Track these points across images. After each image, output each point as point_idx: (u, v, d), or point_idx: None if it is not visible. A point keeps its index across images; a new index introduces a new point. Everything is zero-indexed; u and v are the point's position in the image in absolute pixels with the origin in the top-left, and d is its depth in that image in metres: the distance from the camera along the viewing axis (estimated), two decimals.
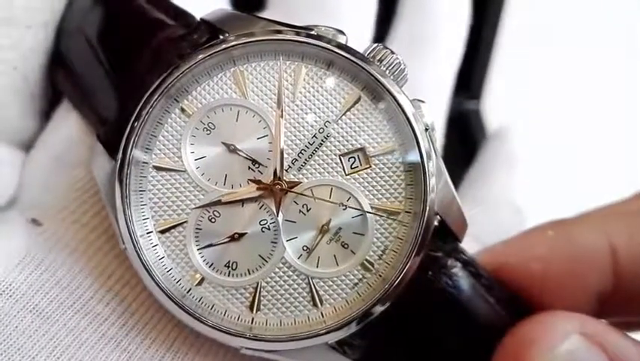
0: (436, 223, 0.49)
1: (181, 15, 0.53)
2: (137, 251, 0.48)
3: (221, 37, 0.49)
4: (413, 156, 0.49)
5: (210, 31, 0.51)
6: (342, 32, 0.50)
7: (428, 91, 0.52)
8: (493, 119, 0.97)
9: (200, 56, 0.48)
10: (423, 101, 0.50)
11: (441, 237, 0.49)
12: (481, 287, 0.50)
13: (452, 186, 0.50)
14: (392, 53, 0.50)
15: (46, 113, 0.60)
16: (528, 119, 0.99)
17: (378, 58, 0.50)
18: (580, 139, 1.07)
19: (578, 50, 1.14)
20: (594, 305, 0.50)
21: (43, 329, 0.49)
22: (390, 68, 0.50)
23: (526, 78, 1.10)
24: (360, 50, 0.50)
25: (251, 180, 0.49)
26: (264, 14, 0.60)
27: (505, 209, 0.74)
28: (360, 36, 0.67)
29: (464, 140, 0.85)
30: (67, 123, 0.57)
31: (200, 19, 0.52)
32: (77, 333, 0.49)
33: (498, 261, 0.52)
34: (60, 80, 0.58)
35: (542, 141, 0.97)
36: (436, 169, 0.49)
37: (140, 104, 0.48)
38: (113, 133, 0.49)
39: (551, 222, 0.53)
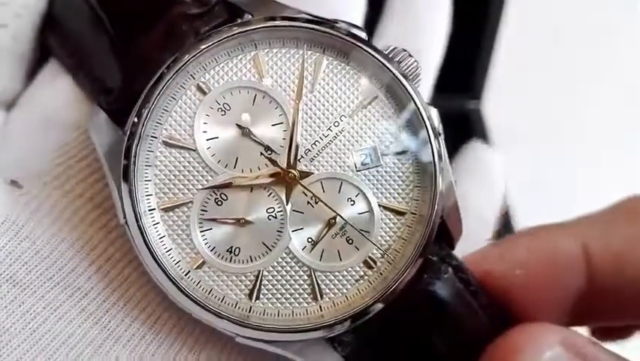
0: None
1: None
2: (139, 226, 0.46)
3: (243, 18, 0.48)
4: (425, 160, 0.49)
5: (229, 12, 0.50)
6: (361, 29, 0.50)
7: None
8: (493, 119, 0.98)
9: (222, 36, 0.47)
10: (434, 107, 0.50)
11: (438, 240, 0.50)
12: (468, 294, 0.51)
13: (456, 191, 0.51)
14: (410, 55, 0.50)
15: (31, 76, 0.57)
16: (528, 119, 0.99)
17: (397, 59, 0.50)
18: (580, 139, 1.09)
19: (578, 50, 1.15)
20: (571, 307, 0.52)
21: (19, 300, 0.47)
22: (407, 70, 0.50)
23: (527, 78, 1.11)
24: None
25: (271, 159, 0.48)
26: None
27: (473, 219, 0.75)
28: None
29: (464, 140, 0.85)
30: (58, 85, 0.54)
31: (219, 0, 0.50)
32: (56, 306, 0.48)
33: (482, 268, 0.53)
34: (54, 45, 0.55)
35: (543, 141, 0.98)
36: (445, 174, 0.49)
37: (156, 77, 0.46)
38: (120, 102, 0.48)
39: (528, 229, 0.55)
